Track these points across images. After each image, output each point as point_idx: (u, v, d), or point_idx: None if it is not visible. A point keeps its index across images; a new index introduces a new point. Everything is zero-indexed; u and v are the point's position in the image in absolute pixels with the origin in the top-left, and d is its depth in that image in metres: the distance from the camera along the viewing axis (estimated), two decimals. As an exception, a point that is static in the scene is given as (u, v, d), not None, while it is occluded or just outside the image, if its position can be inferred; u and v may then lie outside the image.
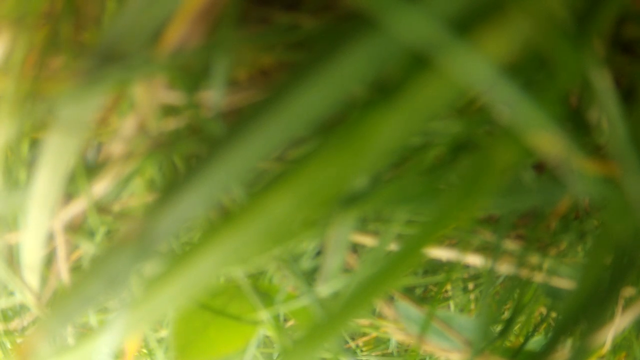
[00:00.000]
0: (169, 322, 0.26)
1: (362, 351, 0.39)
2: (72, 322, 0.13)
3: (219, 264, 0.11)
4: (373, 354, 0.39)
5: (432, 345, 0.27)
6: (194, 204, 0.11)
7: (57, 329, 0.13)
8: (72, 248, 0.21)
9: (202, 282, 0.12)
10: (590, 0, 0.11)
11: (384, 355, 0.39)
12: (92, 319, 0.22)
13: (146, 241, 0.12)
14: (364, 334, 0.38)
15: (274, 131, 0.10)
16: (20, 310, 0.33)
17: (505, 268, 0.23)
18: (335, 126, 0.10)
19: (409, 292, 0.29)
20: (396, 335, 0.29)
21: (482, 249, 0.24)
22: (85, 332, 0.14)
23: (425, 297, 0.36)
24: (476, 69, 0.09)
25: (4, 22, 0.15)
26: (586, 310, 0.13)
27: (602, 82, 0.13)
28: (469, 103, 0.16)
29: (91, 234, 0.19)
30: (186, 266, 0.12)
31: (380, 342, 0.39)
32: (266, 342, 0.32)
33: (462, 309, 0.35)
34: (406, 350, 0.38)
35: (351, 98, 0.12)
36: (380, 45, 0.09)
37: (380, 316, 0.30)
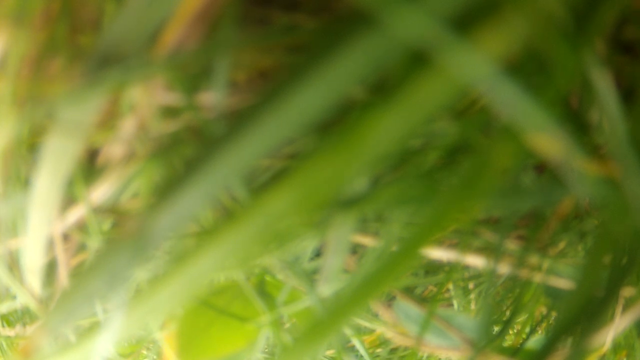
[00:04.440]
0: (170, 322, 0.26)
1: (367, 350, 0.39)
2: (73, 321, 0.13)
3: (218, 263, 0.11)
4: (377, 351, 0.40)
5: (431, 344, 0.27)
6: (192, 203, 0.11)
7: (58, 327, 0.13)
8: (74, 251, 0.21)
9: (202, 281, 0.12)
10: (590, 0, 0.11)
11: (388, 354, 0.39)
12: (92, 318, 0.22)
13: (145, 239, 0.12)
14: (369, 333, 0.38)
15: (272, 131, 0.10)
16: (22, 315, 0.33)
17: (505, 268, 0.23)
18: (334, 126, 0.10)
19: (408, 292, 0.29)
20: (395, 338, 0.29)
21: (482, 250, 0.24)
22: (86, 331, 0.14)
23: (425, 297, 0.36)
24: (475, 67, 0.09)
25: (1, 23, 0.15)
26: (586, 310, 0.13)
27: (602, 82, 0.13)
28: (469, 105, 0.16)
29: (93, 237, 0.19)
30: (186, 265, 0.12)
31: (384, 340, 0.39)
32: (268, 342, 0.32)
33: (462, 309, 0.35)
34: (406, 349, 0.38)
35: (350, 98, 0.12)
36: (378, 45, 0.09)
37: (380, 318, 0.30)
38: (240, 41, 0.15)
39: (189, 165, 0.11)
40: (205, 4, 0.14)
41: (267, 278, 0.26)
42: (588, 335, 0.13)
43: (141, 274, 0.19)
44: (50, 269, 0.20)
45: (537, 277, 0.23)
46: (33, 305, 0.21)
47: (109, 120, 0.17)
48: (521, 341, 0.30)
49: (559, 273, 0.24)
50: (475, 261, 0.23)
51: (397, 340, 0.29)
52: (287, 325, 0.30)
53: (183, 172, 0.11)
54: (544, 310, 0.31)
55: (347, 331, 0.27)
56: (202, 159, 0.11)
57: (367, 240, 0.22)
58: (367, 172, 0.16)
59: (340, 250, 0.19)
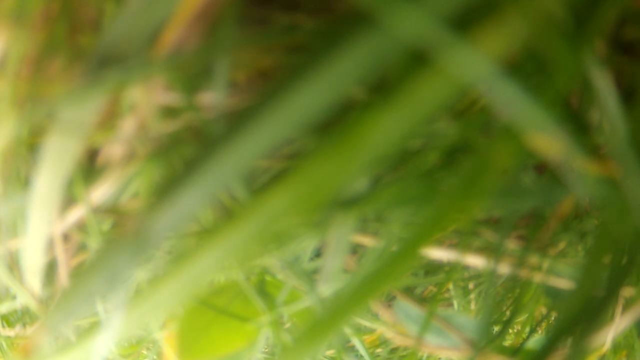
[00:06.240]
0: (170, 322, 0.26)
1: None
2: (73, 321, 0.13)
3: (218, 263, 0.11)
4: (377, 351, 0.40)
5: (431, 344, 0.27)
6: (192, 203, 0.11)
7: (58, 327, 0.13)
8: (74, 251, 0.21)
9: (202, 281, 0.12)
10: (590, 0, 0.11)
11: (388, 354, 0.39)
12: (93, 318, 0.22)
13: (145, 239, 0.12)
14: (369, 333, 0.38)
15: (272, 131, 0.10)
16: (22, 315, 0.33)
17: (505, 268, 0.23)
18: (334, 126, 0.10)
19: (408, 292, 0.29)
20: (395, 338, 0.29)
21: (482, 250, 0.24)
22: (86, 331, 0.14)
23: (425, 297, 0.36)
24: (475, 67, 0.09)
25: (1, 23, 0.15)
26: (586, 310, 0.13)
27: (602, 82, 0.13)
28: (469, 105, 0.16)
29: (93, 237, 0.19)
30: (186, 265, 0.12)
31: (384, 340, 0.39)
32: (268, 342, 0.32)
33: (462, 309, 0.35)
34: (406, 349, 0.38)
35: (350, 98, 0.12)
36: (378, 45, 0.09)
37: (380, 318, 0.30)
38: (240, 41, 0.15)
39: (189, 165, 0.11)
40: (205, 4, 0.14)
41: (267, 278, 0.26)
42: (588, 335, 0.13)
43: (141, 274, 0.19)
44: (50, 269, 0.20)
45: (537, 277, 0.23)
46: (33, 305, 0.21)
47: (109, 120, 0.17)
48: (521, 341, 0.30)
49: (559, 273, 0.24)
50: (475, 261, 0.23)
51: (397, 340, 0.29)
52: (287, 325, 0.30)
53: (183, 172, 0.11)
54: (544, 310, 0.31)
55: (347, 331, 0.27)
56: (202, 159, 0.11)
57: (367, 240, 0.22)
58: (367, 172, 0.16)
59: (340, 250, 0.19)
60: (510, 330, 0.36)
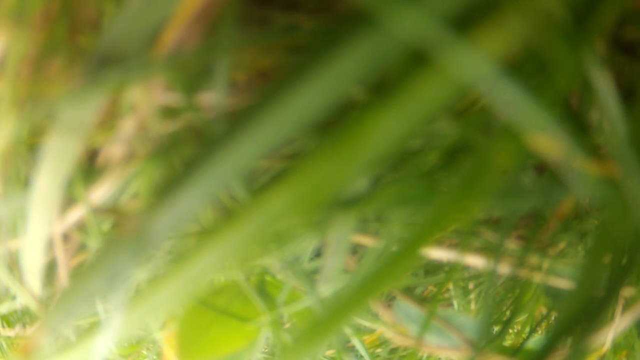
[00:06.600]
0: (170, 322, 0.26)
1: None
2: (73, 321, 0.13)
3: (218, 263, 0.11)
4: (377, 351, 0.40)
5: (431, 345, 0.27)
6: (192, 203, 0.11)
7: (58, 327, 0.13)
8: (74, 251, 0.21)
9: (202, 281, 0.12)
10: (590, 0, 0.11)
11: (388, 354, 0.39)
12: (93, 318, 0.22)
13: (145, 239, 0.12)
14: (369, 333, 0.38)
15: (272, 131, 0.10)
16: (22, 315, 0.33)
17: (505, 268, 0.23)
18: (334, 126, 0.10)
19: (408, 292, 0.29)
20: (395, 338, 0.29)
21: (482, 250, 0.24)
22: (86, 331, 0.14)
23: (425, 297, 0.36)
24: (475, 67, 0.09)
25: (1, 23, 0.15)
26: (586, 310, 0.13)
27: (602, 82, 0.13)
28: (469, 105, 0.16)
29: (93, 237, 0.19)
30: (186, 265, 0.12)
31: (384, 341, 0.39)
32: (268, 342, 0.32)
33: (462, 309, 0.35)
34: (406, 349, 0.38)
35: (350, 98, 0.12)
36: (378, 45, 0.09)
37: (380, 318, 0.30)
38: (240, 41, 0.15)
39: (189, 165, 0.11)
40: (205, 4, 0.14)
41: (267, 278, 0.26)
42: (588, 335, 0.13)
43: (141, 274, 0.19)
44: (50, 269, 0.20)
45: (537, 277, 0.23)
46: (33, 305, 0.21)
47: (109, 120, 0.17)
48: (521, 341, 0.30)
49: (559, 273, 0.24)
50: (475, 261, 0.23)
51: (397, 340, 0.29)
52: (287, 325, 0.30)
53: (183, 172, 0.11)
54: (544, 310, 0.31)
55: (347, 331, 0.27)
56: (202, 159, 0.11)
57: (367, 240, 0.22)
58: (367, 172, 0.16)
59: (340, 250, 0.19)
60: (510, 330, 0.36)
